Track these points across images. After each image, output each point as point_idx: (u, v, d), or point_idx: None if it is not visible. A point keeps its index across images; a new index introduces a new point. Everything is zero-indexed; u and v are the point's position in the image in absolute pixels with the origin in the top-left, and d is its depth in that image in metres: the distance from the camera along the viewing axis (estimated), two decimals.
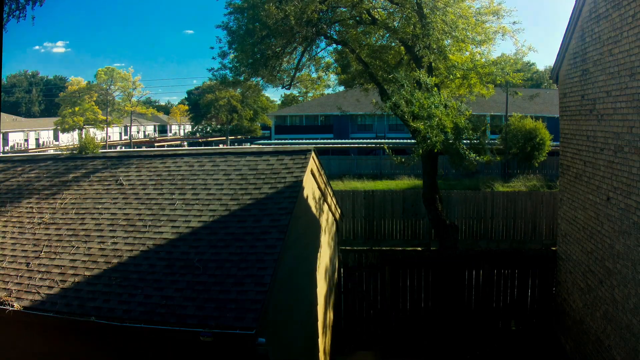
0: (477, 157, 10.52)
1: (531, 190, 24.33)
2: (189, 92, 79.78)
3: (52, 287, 6.86)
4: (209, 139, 69.22)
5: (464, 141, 10.71)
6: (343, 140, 43.44)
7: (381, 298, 12.33)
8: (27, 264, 7.34)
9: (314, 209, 9.76)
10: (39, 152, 39.40)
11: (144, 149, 14.77)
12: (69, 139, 57.22)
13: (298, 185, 8.22)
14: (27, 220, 8.35)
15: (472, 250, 15.16)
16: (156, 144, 63.33)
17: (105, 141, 53.04)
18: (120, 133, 68.57)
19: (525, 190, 24.19)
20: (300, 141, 37.59)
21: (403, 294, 12.30)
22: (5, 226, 8.30)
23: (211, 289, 6.56)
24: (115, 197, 8.68)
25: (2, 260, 7.50)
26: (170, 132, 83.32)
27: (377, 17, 12.66)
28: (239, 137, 67.15)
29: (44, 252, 7.56)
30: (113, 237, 7.71)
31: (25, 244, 7.81)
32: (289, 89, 14.94)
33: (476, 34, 12.07)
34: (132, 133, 64.70)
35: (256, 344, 5.92)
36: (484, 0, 12.40)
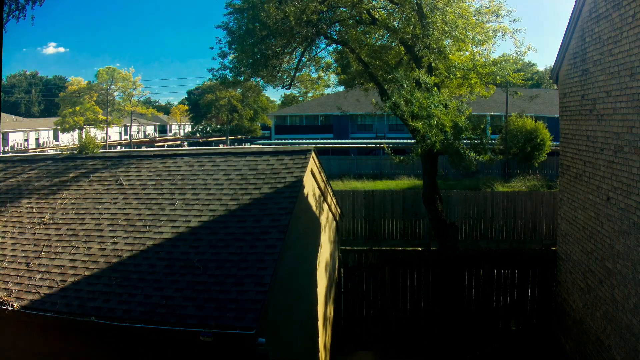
0: (477, 157, 10.52)
1: (531, 190, 24.32)
2: (189, 92, 79.77)
3: (52, 287, 6.86)
4: (209, 139, 69.23)
5: (464, 141, 10.71)
6: (343, 140, 43.44)
7: (381, 298, 12.33)
8: (27, 264, 7.34)
9: (314, 209, 9.76)
10: (39, 152, 39.42)
11: (144, 149, 14.77)
12: (69, 139, 57.23)
13: (298, 185, 8.22)
14: (27, 220, 8.35)
15: (472, 250, 15.16)
16: (156, 144, 63.34)
17: (105, 141, 53.04)
18: (120, 133, 68.58)
19: (525, 190, 24.19)
20: (300, 141, 37.59)
21: (403, 294, 12.30)
22: (5, 226, 8.30)
23: (211, 289, 6.56)
24: (115, 197, 8.68)
25: (2, 260, 7.50)
26: (170, 132, 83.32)
27: (377, 17, 12.66)
28: (239, 137, 67.16)
29: (44, 252, 7.56)
30: (113, 237, 7.71)
31: (25, 244, 7.82)
32: (289, 89, 14.96)
33: (476, 34, 12.07)
34: (132, 133, 64.71)
35: (256, 344, 5.93)
36: (484, 0, 12.42)
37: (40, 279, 7.04)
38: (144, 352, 6.54)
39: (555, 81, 11.83)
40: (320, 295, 10.21)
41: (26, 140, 58.17)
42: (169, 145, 62.08)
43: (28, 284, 6.95)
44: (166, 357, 6.54)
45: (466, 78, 12.86)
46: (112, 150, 29.58)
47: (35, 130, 60.51)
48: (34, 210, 8.57)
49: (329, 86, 17.01)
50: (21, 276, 7.12)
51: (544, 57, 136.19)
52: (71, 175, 9.52)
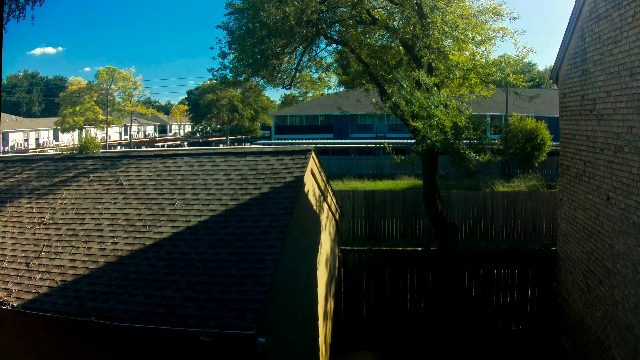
0: (477, 157, 10.52)
1: (531, 190, 24.32)
2: (189, 92, 79.79)
3: (52, 287, 6.87)
4: (209, 139, 69.22)
5: (464, 141, 10.71)
6: (343, 140, 43.42)
7: (381, 298, 12.33)
8: (27, 264, 7.35)
9: (314, 209, 9.76)
10: (39, 152, 39.44)
11: (144, 149, 14.78)
12: (69, 139, 57.21)
13: (298, 185, 8.22)
14: (27, 220, 8.35)
15: (472, 250, 15.15)
16: (156, 144, 63.35)
17: (106, 141, 53.03)
18: (120, 133, 68.58)
19: (525, 190, 24.19)
20: (300, 141, 37.58)
21: (403, 294, 12.30)
22: (5, 226, 8.30)
23: (211, 289, 6.56)
24: (115, 197, 8.68)
25: (2, 260, 7.51)
26: (170, 132, 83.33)
27: (377, 17, 12.66)
28: (239, 137, 67.16)
29: (44, 252, 7.56)
30: (113, 237, 7.71)
31: (25, 244, 7.82)
32: (289, 89, 14.96)
33: (476, 34, 12.08)
34: (132, 133, 64.70)
35: (256, 344, 5.93)
36: (484, 0, 12.42)
37: (40, 279, 7.04)
38: (144, 352, 6.54)
39: (555, 81, 11.82)
40: (320, 295, 10.21)
41: (26, 140, 58.17)
42: (169, 145, 62.11)
43: (28, 284, 6.95)
44: (166, 357, 6.54)
45: (466, 78, 12.86)
46: (112, 150, 29.59)
47: (35, 130, 60.51)
48: (34, 210, 8.57)
49: (329, 87, 17.03)
50: (21, 276, 7.12)
51: (544, 57, 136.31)
52: (71, 175, 9.52)
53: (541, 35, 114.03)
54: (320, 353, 10.16)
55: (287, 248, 7.35)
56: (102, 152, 10.84)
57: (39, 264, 7.32)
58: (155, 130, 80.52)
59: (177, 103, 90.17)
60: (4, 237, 8.03)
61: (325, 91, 42.78)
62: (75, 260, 7.33)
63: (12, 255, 7.61)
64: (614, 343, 8.47)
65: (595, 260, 9.38)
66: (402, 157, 11.62)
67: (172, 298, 6.49)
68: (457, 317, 12.10)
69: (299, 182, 8.30)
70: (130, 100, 54.59)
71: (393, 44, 13.57)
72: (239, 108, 63.59)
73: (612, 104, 8.53)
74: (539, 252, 13.55)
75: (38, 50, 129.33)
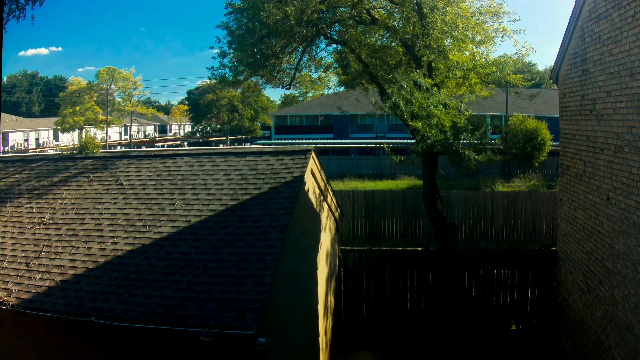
0: (477, 157, 10.52)
1: (531, 190, 24.33)
2: (189, 92, 79.80)
3: (52, 287, 6.87)
4: (209, 139, 69.23)
5: (464, 141, 10.71)
6: (343, 140, 43.43)
7: (381, 298, 12.33)
8: (27, 264, 7.35)
9: (314, 209, 9.76)
10: (38, 152, 39.44)
11: (144, 149, 14.78)
12: (69, 139, 57.21)
13: (298, 185, 8.22)
14: (27, 220, 8.35)
15: (472, 250, 15.15)
16: (156, 144, 63.34)
17: (106, 141, 53.03)
18: (120, 133, 68.58)
19: (525, 190, 24.20)
20: (300, 141, 37.58)
21: (403, 294, 12.30)
22: (5, 226, 8.30)
23: (211, 289, 6.56)
24: (115, 197, 8.68)
25: (2, 260, 7.51)
26: (170, 132, 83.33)
27: (377, 17, 12.66)
28: (239, 137, 67.16)
29: (44, 252, 7.56)
30: (113, 237, 7.71)
31: (25, 244, 7.82)
32: (288, 89, 14.97)
33: (476, 34, 12.08)
34: (132, 133, 64.71)
35: (256, 344, 5.93)
36: (484, 0, 12.42)
37: (40, 279, 7.04)
38: (144, 352, 6.54)
39: (555, 81, 11.82)
40: (320, 295, 10.21)
41: (26, 140, 58.17)
42: (169, 145, 62.09)
43: (28, 284, 6.95)
44: (166, 357, 6.54)
45: (466, 78, 12.87)
46: (112, 150, 29.60)
47: (35, 130, 60.51)
48: (34, 210, 8.57)
49: (329, 87, 17.01)
50: (21, 276, 7.12)
51: (544, 57, 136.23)
52: (71, 175, 9.52)
53: (541, 35, 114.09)
54: (320, 353, 10.16)
55: (287, 248, 7.35)
56: (102, 152, 10.83)
57: (39, 264, 7.32)
58: (155, 130, 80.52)
59: (177, 103, 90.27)
60: (4, 237, 8.03)
61: (325, 91, 42.77)
62: (75, 260, 7.33)
63: (12, 255, 7.61)
64: (614, 343, 8.47)
65: (595, 260, 9.38)
66: (402, 158, 11.63)
67: (172, 298, 6.49)
68: (457, 317, 12.10)
69: (299, 182, 8.30)
70: (130, 100, 54.59)
71: (393, 44, 13.57)
72: (239, 108, 63.59)
73: (612, 104, 8.53)
74: (539, 252, 13.55)
75: (30, 51, 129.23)
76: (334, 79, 16.14)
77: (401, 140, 37.32)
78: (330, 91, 44.93)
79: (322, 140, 42.01)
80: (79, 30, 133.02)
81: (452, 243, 13.23)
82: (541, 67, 71.73)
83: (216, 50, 12.88)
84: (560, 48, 11.13)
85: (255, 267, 6.79)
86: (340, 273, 12.40)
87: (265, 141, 49.11)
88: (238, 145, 49.86)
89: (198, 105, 68.54)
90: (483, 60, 12.79)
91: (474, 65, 12.49)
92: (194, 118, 73.04)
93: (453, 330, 12.06)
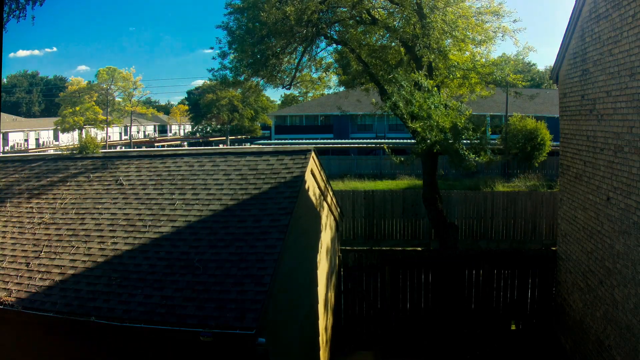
0: (477, 158, 10.52)
1: (531, 190, 24.34)
2: (189, 92, 79.84)
3: (52, 287, 6.87)
4: (209, 139, 69.24)
5: (464, 141, 10.71)
6: (343, 140, 43.45)
7: (381, 298, 12.33)
8: (27, 264, 7.35)
9: (314, 209, 9.76)
10: (39, 152, 39.44)
11: (144, 149, 14.78)
12: (69, 139, 57.22)
13: (298, 186, 8.22)
14: (27, 220, 8.35)
15: (472, 250, 15.16)
16: (156, 144, 63.35)
17: (106, 141, 53.04)
18: (120, 133, 68.59)
19: (525, 190, 24.20)
20: (300, 141, 37.60)
21: (403, 294, 12.30)
22: (5, 226, 8.30)
23: (211, 289, 6.56)
24: (115, 197, 8.68)
25: (2, 260, 7.51)
26: (170, 132, 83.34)
27: (377, 17, 12.66)
28: (239, 137, 67.18)
29: (44, 252, 7.56)
30: (113, 237, 7.71)
31: (25, 244, 7.82)
32: (289, 89, 14.96)
33: (476, 34, 12.08)
34: (132, 133, 64.71)
35: (256, 344, 5.93)
36: (484, 0, 12.42)
37: (40, 279, 7.04)
38: (144, 352, 6.54)
39: (555, 81, 11.82)
40: (320, 295, 10.21)
41: (26, 140, 58.17)
42: (169, 145, 62.10)
43: (28, 284, 6.95)
44: (166, 357, 6.54)
45: (466, 78, 12.87)
46: (112, 150, 29.60)
47: (35, 130, 60.52)
48: (34, 210, 8.57)
49: (329, 87, 17.01)
50: (21, 276, 7.12)
51: (544, 57, 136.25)
52: (71, 175, 9.52)
53: (541, 35, 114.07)
54: (320, 353, 10.16)
55: (287, 248, 7.35)
56: (102, 152, 10.83)
57: (39, 264, 7.32)
58: (155, 130, 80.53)
59: (177, 103, 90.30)
60: (4, 237, 8.03)
61: (325, 91, 42.78)
62: (75, 260, 7.33)
63: (12, 255, 7.61)
64: (614, 343, 8.47)
65: (595, 260, 9.38)
66: (402, 158, 11.62)
67: (172, 298, 6.49)
68: (457, 317, 12.10)
69: (299, 182, 8.30)
70: (130, 100, 54.59)
71: (393, 44, 13.57)
72: (239, 108, 63.60)
73: (612, 104, 8.53)
74: (539, 252, 13.55)
75: (36, 50, 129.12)
76: (334, 79, 16.16)
77: (401, 140, 37.33)
78: (331, 91, 44.95)
79: (322, 140, 42.03)
80: (73, 31, 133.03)
81: (452, 243, 13.23)
82: (541, 67, 71.84)
83: (216, 51, 12.83)
84: (560, 48, 11.13)
85: (255, 267, 6.80)
86: (340, 273, 12.40)
87: (265, 141, 49.13)
88: (238, 145, 49.86)
89: (198, 105, 68.55)
90: (483, 60, 12.79)
91: (474, 65, 12.49)
92: (194, 118, 73.06)
93: (453, 330, 12.06)
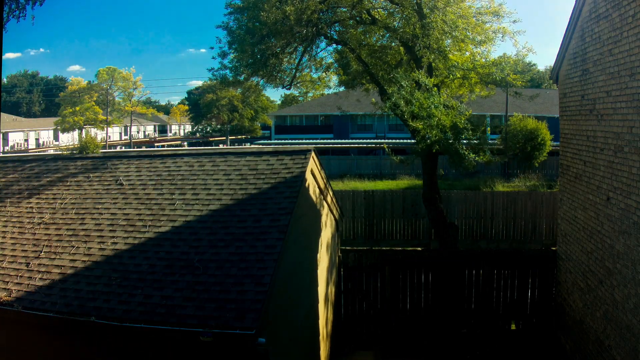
0: (477, 158, 10.53)
1: (531, 190, 24.35)
2: (189, 92, 79.86)
3: (52, 287, 6.86)
4: (209, 139, 69.24)
5: (464, 141, 10.72)
6: (343, 140, 43.45)
7: (381, 298, 12.33)
8: (27, 264, 7.35)
9: (314, 209, 9.77)
10: (39, 152, 39.44)
11: (144, 149, 14.77)
12: (69, 139, 57.22)
13: (298, 186, 8.22)
14: (27, 220, 8.35)
15: (472, 250, 15.16)
16: (156, 144, 63.35)
17: (106, 141, 53.04)
18: (120, 133, 68.59)
19: (526, 190, 24.21)
20: (300, 141, 37.61)
21: (403, 294, 12.30)
22: (5, 226, 8.30)
23: (211, 289, 6.56)
24: (115, 197, 8.68)
25: (2, 260, 7.51)
26: (170, 132, 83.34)
27: (377, 17, 12.67)
28: (239, 137, 67.18)
29: (44, 252, 7.56)
30: (113, 237, 7.71)
31: (25, 244, 7.82)
32: (289, 89, 14.96)
33: (476, 34, 12.09)
34: (132, 133, 64.71)
35: (256, 344, 5.93)
36: (484, 0, 12.43)
37: (40, 279, 7.04)
38: (144, 352, 6.54)
39: (555, 81, 11.82)
40: (320, 295, 10.21)
41: (26, 140, 58.17)
42: (169, 145, 62.09)
43: (28, 284, 6.95)
44: (166, 357, 6.54)
45: (466, 78, 12.88)
46: (112, 150, 29.60)
47: (35, 130, 60.51)
48: (34, 210, 8.57)
49: (329, 87, 17.01)
50: (21, 276, 7.12)
51: (544, 57, 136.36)
52: (71, 175, 9.52)
53: (541, 35, 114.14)
54: (320, 353, 10.16)
55: (287, 248, 7.35)
56: (102, 152, 10.83)
57: (39, 264, 7.32)
58: (155, 130, 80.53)
59: (177, 103, 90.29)
60: (3, 237, 8.03)
61: (325, 91, 42.78)
62: (75, 260, 7.33)
63: (12, 255, 7.60)
64: (614, 343, 8.47)
65: (595, 260, 9.38)
66: (402, 158, 11.63)
67: (172, 298, 6.49)
68: (457, 317, 12.11)
69: (299, 182, 8.30)
70: (130, 100, 54.60)
71: (393, 44, 13.58)
72: (239, 108, 63.60)
73: (612, 104, 8.53)
74: (539, 252, 13.56)
75: (36, 50, 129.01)
76: (334, 79, 16.16)
77: (401, 140, 37.34)
78: (331, 91, 44.95)
79: (322, 140, 42.04)
80: (69, 31, 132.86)
81: (452, 243, 13.24)
82: (541, 67, 71.84)
83: (216, 51, 12.84)
84: (560, 48, 11.13)
85: (255, 267, 6.79)
86: (340, 273, 12.40)
87: (265, 141, 49.14)
88: (238, 145, 49.88)
89: (198, 105, 68.55)
90: (483, 60, 12.79)
91: (474, 66, 12.50)
92: (194, 118, 73.06)
93: (453, 330, 12.06)
